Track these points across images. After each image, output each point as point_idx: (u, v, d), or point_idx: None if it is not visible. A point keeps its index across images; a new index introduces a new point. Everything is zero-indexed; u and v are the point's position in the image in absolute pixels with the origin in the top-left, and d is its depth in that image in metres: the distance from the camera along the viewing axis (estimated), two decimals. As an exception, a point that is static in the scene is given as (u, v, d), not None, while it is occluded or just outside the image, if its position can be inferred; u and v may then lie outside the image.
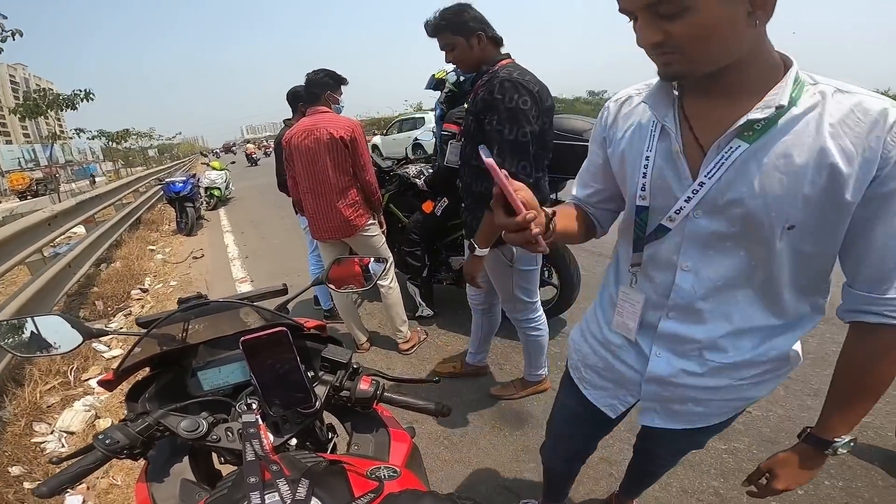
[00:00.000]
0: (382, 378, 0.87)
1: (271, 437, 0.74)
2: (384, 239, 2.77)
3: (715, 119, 0.72)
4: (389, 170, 3.52)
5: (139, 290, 4.55)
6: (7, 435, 2.35)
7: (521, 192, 0.71)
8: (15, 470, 2.12)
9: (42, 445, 2.32)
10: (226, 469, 0.82)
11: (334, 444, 0.90)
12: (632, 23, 0.69)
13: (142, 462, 0.77)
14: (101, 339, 3.45)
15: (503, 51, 1.78)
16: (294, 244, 5.68)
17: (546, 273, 2.94)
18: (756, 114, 0.67)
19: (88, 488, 2.02)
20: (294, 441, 0.79)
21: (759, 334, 0.82)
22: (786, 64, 0.70)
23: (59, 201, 5.82)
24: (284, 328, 0.70)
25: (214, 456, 0.83)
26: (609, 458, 1.93)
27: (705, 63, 0.67)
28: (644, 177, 0.81)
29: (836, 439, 0.79)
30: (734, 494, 1.72)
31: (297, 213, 3.27)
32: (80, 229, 5.51)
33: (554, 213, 0.86)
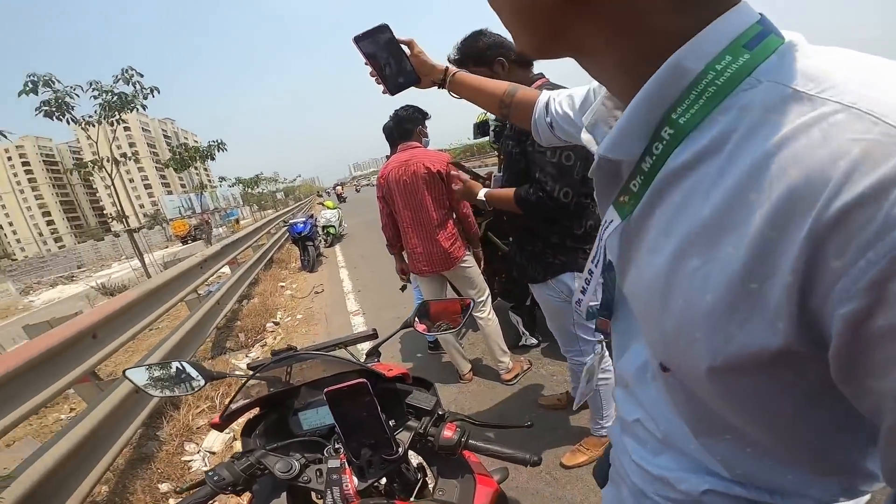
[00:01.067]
0: (469, 423, 0.87)
1: (356, 480, 0.77)
2: (479, 271, 2.78)
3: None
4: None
5: (272, 324, 5.12)
6: (162, 453, 2.73)
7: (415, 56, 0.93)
8: (164, 486, 2.43)
9: (189, 464, 2.66)
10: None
11: (422, 486, 0.90)
12: None
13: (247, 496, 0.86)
14: (225, 378, 3.94)
15: (535, 70, 1.71)
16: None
17: None
18: (598, 156, 0.45)
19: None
20: (384, 481, 0.82)
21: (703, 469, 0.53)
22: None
23: (211, 245, 6.83)
24: (364, 380, 0.73)
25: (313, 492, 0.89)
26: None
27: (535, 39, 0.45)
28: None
29: None
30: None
31: (390, 252, 3.44)
32: (226, 269, 6.40)
33: (449, 71, 1.04)
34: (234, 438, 2.83)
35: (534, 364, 3.01)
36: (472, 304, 1.14)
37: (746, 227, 0.32)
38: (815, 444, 0.41)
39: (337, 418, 0.76)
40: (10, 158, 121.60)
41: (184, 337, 3.49)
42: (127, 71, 6.73)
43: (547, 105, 0.95)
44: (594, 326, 0.68)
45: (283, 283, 7.27)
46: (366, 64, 0.98)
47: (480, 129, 3.30)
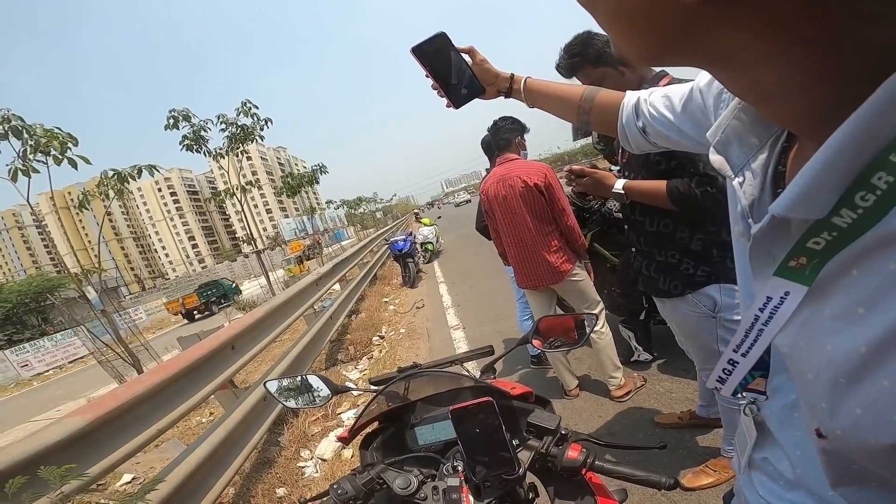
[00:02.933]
0: (595, 444, 0.83)
1: (472, 499, 0.77)
2: (591, 283, 2.66)
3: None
4: (590, 208, 3.40)
5: (378, 337, 5.41)
6: (281, 459, 2.98)
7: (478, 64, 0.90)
8: (280, 491, 2.62)
9: (303, 469, 2.87)
10: None
11: None
12: None
13: None
14: (348, 392, 4.21)
15: (655, 69, 1.56)
16: (498, 291, 5.98)
17: None
18: (767, 218, 0.37)
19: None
20: (493, 503, 0.80)
21: None
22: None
23: (323, 264, 7.45)
24: (490, 399, 0.72)
25: None
26: None
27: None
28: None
29: None
30: None
31: (505, 264, 3.44)
32: (337, 287, 6.92)
33: (512, 77, 0.99)
34: (343, 447, 2.99)
35: (649, 381, 2.81)
36: (589, 320, 1.10)
37: None
38: None
39: (459, 436, 0.75)
40: (160, 189, 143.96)
41: (304, 349, 3.84)
42: (246, 104, 7.37)
43: (637, 107, 0.85)
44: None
45: (386, 299, 7.67)
46: (427, 76, 0.94)
47: (581, 129, 3.18)
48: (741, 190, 0.44)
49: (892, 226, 0.28)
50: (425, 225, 12.13)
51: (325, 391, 1.08)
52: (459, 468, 0.82)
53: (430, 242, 11.22)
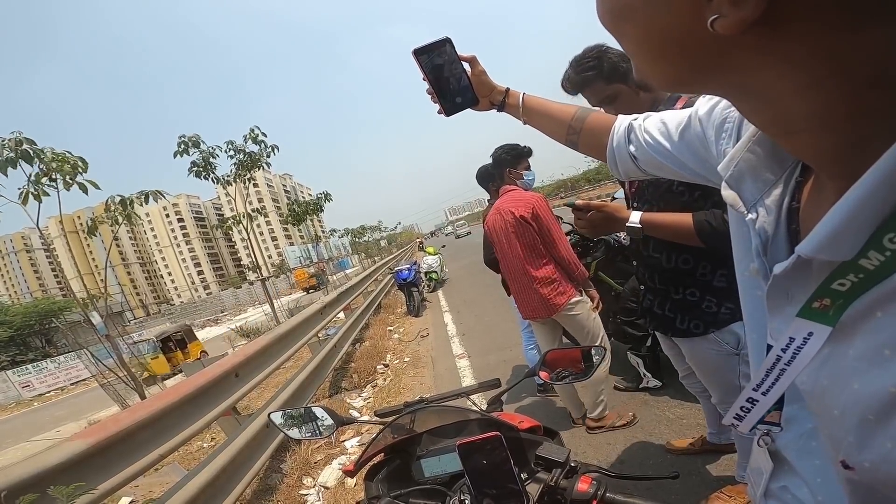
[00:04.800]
0: (605, 475, 0.81)
1: None
2: (595, 315, 2.60)
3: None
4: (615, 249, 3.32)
5: (382, 366, 5.34)
6: (283, 486, 2.92)
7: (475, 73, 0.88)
8: None
9: (305, 497, 2.80)
10: None
11: None
12: None
13: None
14: (353, 423, 4.14)
15: None
16: (503, 320, 5.93)
17: None
18: (791, 261, 0.36)
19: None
20: None
21: None
22: None
23: (328, 293, 7.44)
24: (499, 434, 0.72)
25: None
26: None
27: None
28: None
29: None
30: None
31: (508, 294, 3.44)
32: (342, 315, 6.89)
33: (507, 92, 0.97)
34: (346, 476, 2.93)
35: (658, 408, 2.76)
36: (598, 351, 1.08)
37: None
38: None
39: (468, 470, 0.75)
40: (167, 215, 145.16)
41: (307, 377, 3.80)
42: (253, 130, 7.36)
43: (629, 131, 0.81)
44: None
45: (391, 328, 7.62)
46: (423, 79, 0.92)
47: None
48: (755, 227, 0.43)
49: None
50: (429, 254, 12.16)
51: (329, 422, 1.07)
52: (467, 501, 0.81)
53: (435, 271, 11.23)
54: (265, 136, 7.53)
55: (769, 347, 0.41)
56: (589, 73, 1.44)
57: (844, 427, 0.36)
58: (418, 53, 0.89)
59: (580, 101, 1.49)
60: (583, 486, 0.77)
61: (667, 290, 1.56)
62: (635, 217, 1.45)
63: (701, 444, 2.17)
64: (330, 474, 2.98)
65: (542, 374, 1.10)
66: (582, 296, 2.59)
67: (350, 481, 2.85)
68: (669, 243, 1.48)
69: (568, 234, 3.15)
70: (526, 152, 2.61)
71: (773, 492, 0.55)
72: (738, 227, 0.50)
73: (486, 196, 3.30)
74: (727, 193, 0.46)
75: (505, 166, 2.55)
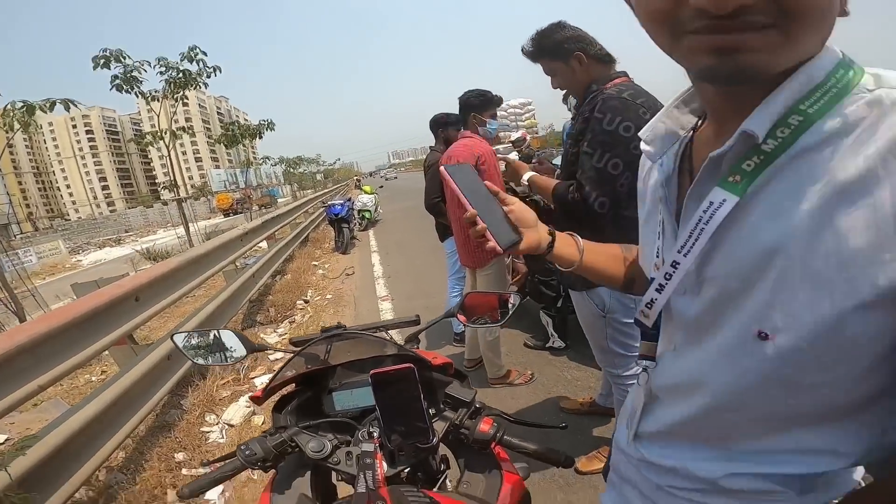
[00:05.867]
0: (505, 420, 0.86)
1: (385, 466, 0.77)
2: (503, 278, 2.67)
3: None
4: (525, 195, 3.43)
5: (302, 301, 5.20)
6: (183, 423, 2.75)
7: (512, 209, 0.78)
8: (179, 456, 2.44)
9: (207, 434, 2.69)
10: (341, 486, 0.88)
11: (445, 478, 0.89)
12: None
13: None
14: (266, 350, 4.02)
15: (618, 68, 1.59)
16: (432, 267, 5.97)
17: None
18: (725, 144, 0.48)
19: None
20: (406, 471, 0.81)
21: (719, 452, 0.58)
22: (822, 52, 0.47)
23: (251, 220, 7.01)
24: (412, 366, 0.73)
25: (333, 472, 0.88)
26: None
27: (799, 53, 0.44)
28: (659, 238, 0.61)
29: None
30: None
31: (441, 240, 3.42)
32: (264, 244, 6.55)
33: (554, 234, 0.82)
34: (254, 413, 2.87)
35: (559, 368, 2.94)
36: (514, 299, 1.08)
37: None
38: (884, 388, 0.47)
39: (378, 401, 0.75)
40: (74, 126, 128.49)
41: (218, 307, 3.59)
42: (193, 49, 6.94)
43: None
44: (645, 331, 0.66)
45: (315, 263, 7.41)
46: (464, 203, 0.78)
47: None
48: (661, 168, 0.60)
49: (802, 144, 0.45)
50: (366, 193, 11.82)
51: (240, 349, 1.00)
52: (375, 434, 0.81)
53: (369, 210, 10.98)
54: (205, 55, 7.04)
55: (675, 263, 0.54)
56: (533, 48, 1.58)
57: (759, 289, 0.46)
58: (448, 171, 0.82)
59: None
60: (484, 427, 0.80)
61: None
62: (526, 176, 1.69)
63: (590, 405, 2.37)
64: (236, 412, 2.86)
65: (461, 316, 1.09)
66: (505, 260, 2.66)
67: (257, 420, 2.80)
68: (572, 207, 1.60)
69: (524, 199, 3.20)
70: (496, 101, 2.54)
71: (643, 434, 0.67)
72: (647, 172, 0.69)
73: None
74: (644, 148, 0.62)
75: (471, 110, 2.48)
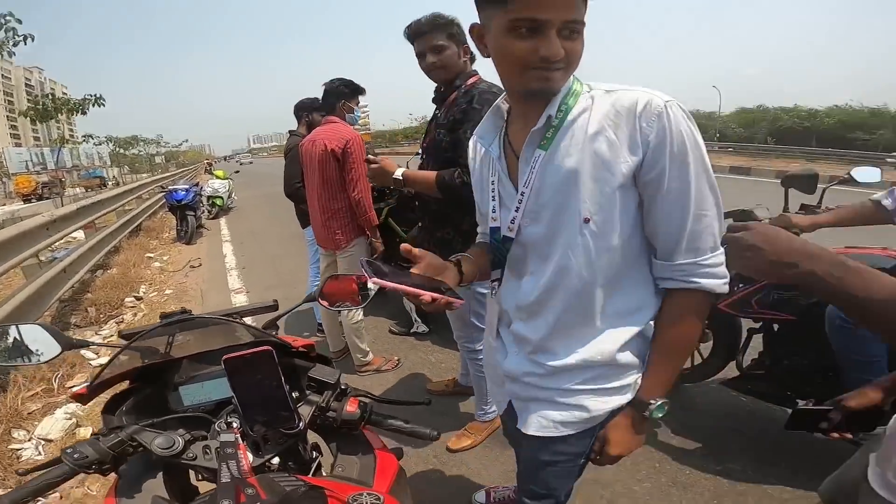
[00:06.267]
0: (371, 399, 0.86)
1: (251, 456, 0.72)
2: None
3: (525, 136, 0.85)
4: (387, 190, 3.48)
5: (133, 298, 4.52)
6: None
7: (421, 264, 0.83)
8: None
9: (18, 452, 2.26)
10: (203, 486, 0.81)
11: (318, 465, 0.87)
12: (523, 34, 0.72)
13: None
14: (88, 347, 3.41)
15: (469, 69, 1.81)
16: (292, 255, 5.67)
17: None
18: (538, 126, 0.82)
19: (61, 497, 1.97)
20: (276, 461, 0.77)
21: (581, 337, 0.88)
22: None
23: (63, 205, 5.84)
24: (270, 347, 0.69)
25: (192, 472, 0.81)
26: (601, 479, 1.87)
27: (566, 80, 0.80)
28: (493, 200, 0.92)
29: (652, 401, 0.85)
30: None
31: (303, 227, 3.29)
32: (80, 234, 5.51)
33: (459, 262, 0.92)
34: (77, 425, 2.48)
35: (423, 351, 3.05)
36: (371, 282, 1.10)
37: (610, 130, 0.77)
38: (640, 260, 0.86)
39: (235, 388, 0.70)
40: None
41: (16, 308, 2.94)
42: (5, 17, 5.98)
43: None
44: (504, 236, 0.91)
45: (151, 255, 6.47)
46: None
47: None
48: (492, 150, 0.92)
49: (566, 121, 0.81)
50: (218, 178, 10.67)
51: (51, 347, 0.85)
52: (235, 424, 0.75)
53: (220, 197, 9.93)
54: (20, 22, 6.16)
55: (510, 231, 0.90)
56: (441, 21, 1.69)
57: (574, 191, 0.80)
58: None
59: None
60: (351, 407, 0.80)
61: (432, 228, 1.86)
62: (398, 172, 1.76)
63: (453, 385, 2.53)
64: (52, 425, 2.42)
65: (322, 301, 1.07)
66: (365, 240, 2.67)
67: (83, 431, 2.41)
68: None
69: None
70: (362, 90, 2.62)
71: (502, 331, 1.02)
72: (477, 153, 1.00)
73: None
74: (480, 139, 0.96)
75: (341, 98, 2.54)
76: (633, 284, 0.86)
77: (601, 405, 0.89)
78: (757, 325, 2.09)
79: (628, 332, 0.86)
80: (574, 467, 0.98)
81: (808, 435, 1.01)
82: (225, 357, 0.68)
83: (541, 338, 0.90)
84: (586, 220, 0.79)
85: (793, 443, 1.92)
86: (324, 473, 0.85)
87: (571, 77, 0.80)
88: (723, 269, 0.80)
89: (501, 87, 1.68)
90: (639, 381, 0.89)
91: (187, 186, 7.94)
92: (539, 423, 0.92)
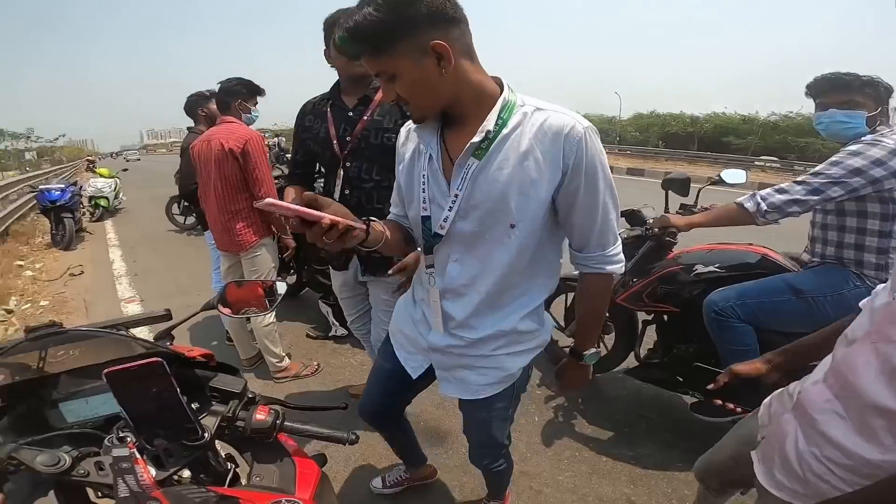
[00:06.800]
0: (282, 406, 0.84)
1: (153, 470, 0.69)
2: (271, 264, 2.61)
3: (461, 143, 0.95)
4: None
5: (3, 311, 3.95)
6: None
7: (329, 209, 0.82)
8: None
9: None
10: (104, 502, 0.76)
11: (235, 476, 0.84)
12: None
13: None
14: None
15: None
16: (193, 260, 5.28)
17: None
18: (476, 138, 0.92)
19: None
20: (187, 473, 0.74)
21: (497, 313, 1.08)
22: (501, 92, 0.95)
23: None
24: (159, 359, 0.66)
25: (90, 490, 0.76)
26: (528, 471, 1.98)
27: (430, 107, 0.94)
28: (423, 191, 1.03)
29: (585, 352, 1.15)
30: (644, 500, 1.85)
31: (203, 230, 3.09)
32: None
33: (368, 222, 0.97)
34: None
35: (343, 355, 3.01)
36: (281, 286, 1.08)
37: (538, 150, 0.92)
38: (554, 251, 1.09)
39: (123, 404, 0.66)
40: None
41: None
42: None
43: (401, 224, 1.24)
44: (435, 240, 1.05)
45: (21, 262, 5.65)
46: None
47: None
48: (430, 149, 1.01)
49: (501, 135, 0.93)
50: (102, 176, 9.51)
51: None
52: (129, 439, 0.71)
53: (105, 197, 8.88)
54: None
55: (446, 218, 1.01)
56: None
57: (504, 201, 0.94)
58: None
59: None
60: (261, 416, 0.78)
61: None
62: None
63: None
64: None
65: (225, 309, 1.03)
66: (273, 240, 2.59)
67: None
68: (369, 191, 1.78)
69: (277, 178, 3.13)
70: (260, 91, 2.54)
71: (424, 310, 1.17)
72: (407, 146, 1.10)
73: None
74: (412, 130, 1.06)
75: (237, 97, 2.45)
76: (534, 273, 1.06)
77: (514, 363, 1.13)
78: (650, 318, 2.29)
79: (526, 308, 1.09)
80: (506, 415, 1.26)
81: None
82: (106, 371, 0.65)
83: (465, 317, 1.08)
84: (512, 226, 0.96)
85: (693, 425, 2.05)
86: (242, 484, 0.82)
87: (507, 89, 0.96)
88: (621, 257, 1.05)
89: None
90: (537, 343, 1.16)
91: (63, 186, 7.03)
92: (470, 389, 1.16)
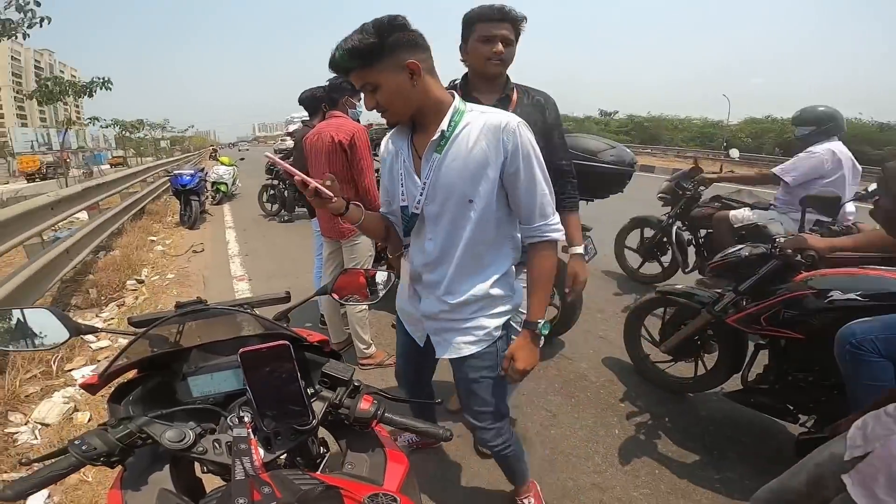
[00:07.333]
0: (384, 397, 0.85)
1: (262, 452, 0.71)
2: (368, 253, 2.70)
3: (426, 143, 1.17)
4: None
5: (135, 281, 4.51)
6: None
7: (327, 182, 1.08)
8: None
9: (14, 436, 2.24)
10: (207, 478, 0.79)
11: (326, 461, 0.86)
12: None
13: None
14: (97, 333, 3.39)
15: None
16: (297, 245, 5.66)
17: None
18: (435, 136, 1.15)
19: (56, 483, 1.95)
20: (284, 456, 0.75)
21: (472, 279, 1.25)
22: (454, 100, 1.16)
23: (67, 186, 5.82)
24: (287, 342, 0.68)
25: (197, 464, 0.79)
26: (600, 484, 1.88)
27: (403, 113, 1.15)
28: (402, 186, 1.25)
29: (537, 321, 1.24)
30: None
31: (310, 217, 3.29)
32: (84, 215, 5.49)
33: (349, 202, 1.18)
34: (75, 409, 2.46)
35: None
36: (381, 277, 1.14)
37: (483, 141, 1.14)
38: (511, 226, 1.28)
39: (250, 383, 0.69)
40: None
41: (17, 288, 2.92)
42: None
43: (389, 220, 1.43)
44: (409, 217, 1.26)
45: (153, 238, 6.45)
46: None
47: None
48: (402, 151, 1.25)
49: (454, 133, 1.16)
50: (223, 164, 10.62)
51: (58, 332, 0.83)
52: (246, 419, 0.74)
53: (225, 183, 9.89)
54: (38, 5, 6.03)
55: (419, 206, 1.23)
56: (517, 17, 1.67)
57: (463, 183, 1.16)
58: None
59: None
60: (365, 405, 0.79)
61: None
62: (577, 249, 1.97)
63: None
64: (50, 409, 2.40)
65: (334, 294, 1.08)
66: None
67: (81, 417, 2.38)
68: None
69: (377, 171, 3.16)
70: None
71: (416, 287, 1.35)
72: (394, 154, 1.27)
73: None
74: (390, 140, 1.29)
75: (344, 93, 2.61)
76: (499, 243, 1.26)
77: (493, 322, 1.29)
78: (764, 342, 2.08)
79: (496, 274, 1.26)
80: (495, 380, 1.34)
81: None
82: (241, 351, 0.67)
83: (447, 282, 1.25)
84: (470, 201, 1.17)
85: (790, 453, 1.85)
86: (328, 470, 0.84)
87: (457, 99, 1.17)
88: (561, 227, 1.24)
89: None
90: (510, 307, 1.32)
91: (192, 171, 7.91)
92: (455, 348, 1.31)
